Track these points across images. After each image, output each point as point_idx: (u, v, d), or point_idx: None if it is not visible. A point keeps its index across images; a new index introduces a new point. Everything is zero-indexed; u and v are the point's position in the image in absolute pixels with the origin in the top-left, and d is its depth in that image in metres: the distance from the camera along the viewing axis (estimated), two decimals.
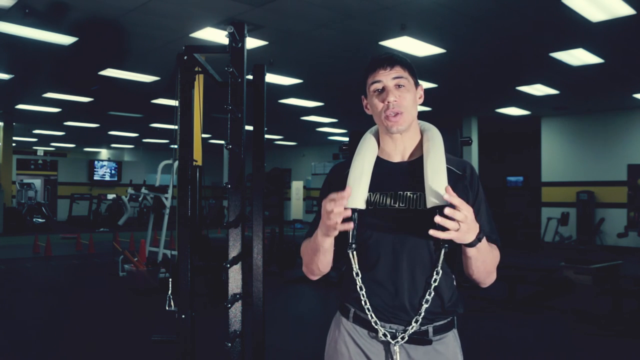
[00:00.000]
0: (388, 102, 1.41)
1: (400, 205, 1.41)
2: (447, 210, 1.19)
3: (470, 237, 1.25)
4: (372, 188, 1.44)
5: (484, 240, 1.30)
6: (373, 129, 1.58)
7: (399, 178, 1.45)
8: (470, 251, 1.30)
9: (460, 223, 1.19)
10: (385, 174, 1.47)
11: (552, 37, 6.51)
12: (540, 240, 12.42)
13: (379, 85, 1.43)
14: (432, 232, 1.21)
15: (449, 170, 1.41)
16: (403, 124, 1.43)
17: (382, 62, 1.44)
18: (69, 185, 19.96)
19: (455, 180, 1.42)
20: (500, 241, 1.47)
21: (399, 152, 1.50)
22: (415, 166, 1.45)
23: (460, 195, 1.40)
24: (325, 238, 1.34)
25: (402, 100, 1.42)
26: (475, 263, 1.33)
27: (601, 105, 11.34)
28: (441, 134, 1.51)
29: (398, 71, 1.43)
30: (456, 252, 1.42)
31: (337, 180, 1.50)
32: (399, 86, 1.42)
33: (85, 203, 18.67)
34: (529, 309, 5.77)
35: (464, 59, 7.60)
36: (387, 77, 1.42)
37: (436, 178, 1.37)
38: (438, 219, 1.19)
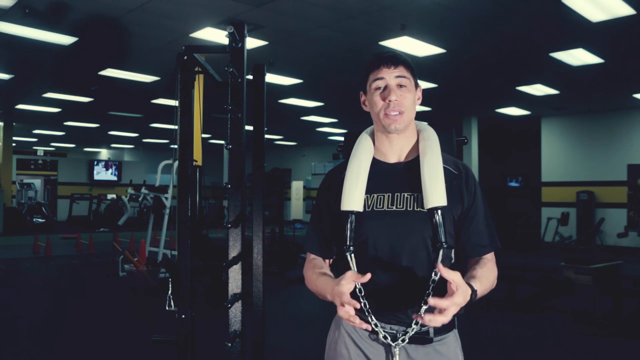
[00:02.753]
0: (389, 100, 1.40)
1: (398, 206, 1.41)
2: (431, 301, 1.19)
3: (464, 303, 1.26)
4: (369, 190, 1.43)
5: (479, 287, 1.30)
6: (369, 129, 1.57)
7: (395, 179, 1.45)
8: None
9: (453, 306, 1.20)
10: (382, 175, 1.46)
11: (552, 37, 6.51)
12: (540, 240, 12.42)
13: (381, 83, 1.42)
14: (425, 321, 1.21)
15: (445, 170, 1.41)
16: (402, 123, 1.43)
17: (386, 60, 1.43)
18: (69, 185, 19.95)
19: (452, 180, 1.42)
20: (500, 242, 1.47)
21: (395, 152, 1.49)
22: (411, 167, 1.45)
23: (454, 194, 1.40)
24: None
25: (403, 99, 1.41)
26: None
27: (601, 105, 11.34)
28: (437, 134, 1.51)
29: (401, 71, 1.42)
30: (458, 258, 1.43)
31: (335, 184, 1.50)
32: (400, 86, 1.42)
33: (85, 203, 18.67)
34: (529, 309, 5.77)
35: (464, 59, 7.60)
36: (390, 76, 1.41)
37: (433, 179, 1.37)
38: (428, 317, 1.20)
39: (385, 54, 1.45)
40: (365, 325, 1.27)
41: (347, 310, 1.24)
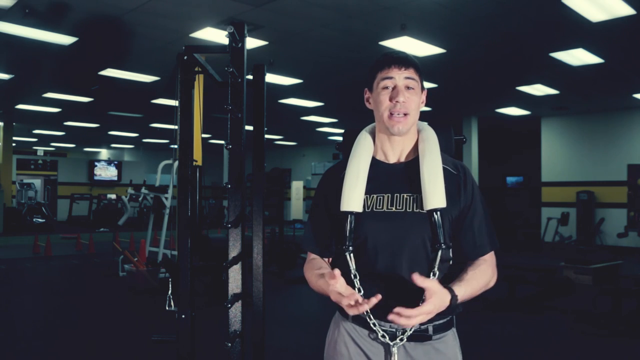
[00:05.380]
0: (396, 101, 1.40)
1: (398, 207, 1.41)
2: (397, 310, 1.22)
3: (436, 310, 1.27)
4: (369, 190, 1.43)
5: (462, 290, 1.31)
6: (369, 127, 1.56)
7: (395, 180, 1.45)
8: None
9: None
10: (382, 176, 1.46)
11: (552, 37, 6.51)
12: (540, 240, 12.42)
13: (389, 83, 1.42)
14: (389, 318, 1.24)
15: (444, 170, 1.41)
16: (406, 126, 1.42)
17: (397, 60, 1.42)
18: (69, 185, 19.95)
19: (450, 179, 1.42)
20: (499, 242, 1.47)
21: (395, 152, 1.49)
22: (411, 167, 1.45)
23: (452, 194, 1.40)
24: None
25: (410, 102, 1.41)
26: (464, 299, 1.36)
27: (601, 105, 11.34)
28: (435, 133, 1.51)
29: (411, 73, 1.42)
30: (455, 256, 1.43)
31: (333, 183, 1.49)
32: (408, 88, 1.42)
33: (85, 203, 18.67)
34: (529, 309, 5.77)
35: (464, 59, 7.60)
36: (400, 76, 1.41)
37: (433, 180, 1.37)
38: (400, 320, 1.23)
39: (397, 54, 1.44)
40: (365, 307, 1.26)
41: (358, 308, 1.26)
